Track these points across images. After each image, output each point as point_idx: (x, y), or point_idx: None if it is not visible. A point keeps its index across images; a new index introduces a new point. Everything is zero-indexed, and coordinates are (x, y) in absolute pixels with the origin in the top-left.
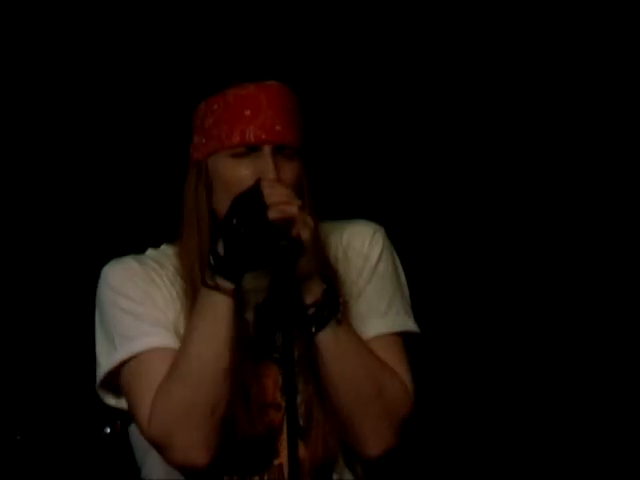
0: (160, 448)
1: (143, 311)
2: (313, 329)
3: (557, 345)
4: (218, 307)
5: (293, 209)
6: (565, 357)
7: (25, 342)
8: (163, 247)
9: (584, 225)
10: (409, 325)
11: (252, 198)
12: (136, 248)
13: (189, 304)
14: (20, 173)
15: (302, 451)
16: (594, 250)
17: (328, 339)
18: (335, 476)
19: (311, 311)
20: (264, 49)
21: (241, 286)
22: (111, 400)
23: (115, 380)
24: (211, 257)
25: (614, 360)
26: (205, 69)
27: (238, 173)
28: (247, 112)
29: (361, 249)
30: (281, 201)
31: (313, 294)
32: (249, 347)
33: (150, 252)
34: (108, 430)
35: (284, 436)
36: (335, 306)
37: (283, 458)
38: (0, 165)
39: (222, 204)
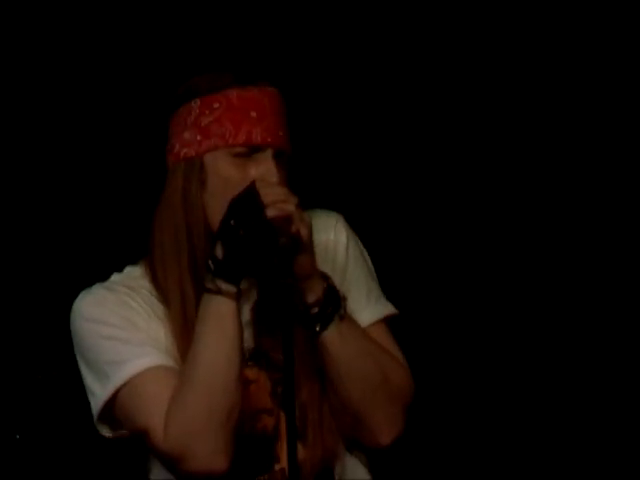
0: (178, 460)
1: (127, 335)
2: (317, 328)
3: (555, 342)
4: (223, 311)
5: (290, 207)
6: (563, 354)
7: (25, 342)
8: (127, 270)
9: (582, 223)
10: (390, 309)
11: (249, 198)
12: (98, 274)
13: (174, 326)
14: None
15: (301, 453)
16: (593, 249)
17: (333, 336)
18: (337, 477)
19: (314, 310)
20: (260, 52)
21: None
22: (108, 432)
23: (110, 410)
24: (210, 261)
25: (614, 359)
26: (197, 69)
27: (242, 173)
28: (253, 114)
29: (327, 242)
30: (278, 199)
31: (315, 292)
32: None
33: (115, 277)
34: None
35: (282, 440)
36: (337, 303)
37: (284, 463)
38: None
39: (217, 204)
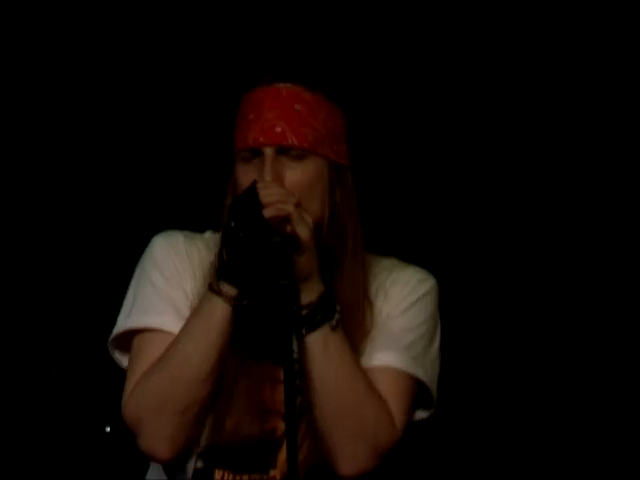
0: (132, 431)
1: (167, 291)
2: (304, 330)
3: (556, 344)
4: (214, 311)
5: (288, 207)
6: (564, 356)
7: (25, 342)
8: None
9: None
10: (418, 371)
11: (248, 199)
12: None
13: None
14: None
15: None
16: (594, 249)
17: (317, 343)
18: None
19: (305, 312)
20: (291, 53)
21: (247, 292)
22: (116, 357)
23: (125, 341)
24: (217, 262)
25: (614, 359)
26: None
27: (242, 178)
28: (251, 116)
29: (402, 290)
30: (276, 200)
31: (310, 295)
32: (264, 351)
33: (207, 234)
34: (108, 430)
35: (283, 448)
36: (330, 311)
37: (278, 470)
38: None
39: None
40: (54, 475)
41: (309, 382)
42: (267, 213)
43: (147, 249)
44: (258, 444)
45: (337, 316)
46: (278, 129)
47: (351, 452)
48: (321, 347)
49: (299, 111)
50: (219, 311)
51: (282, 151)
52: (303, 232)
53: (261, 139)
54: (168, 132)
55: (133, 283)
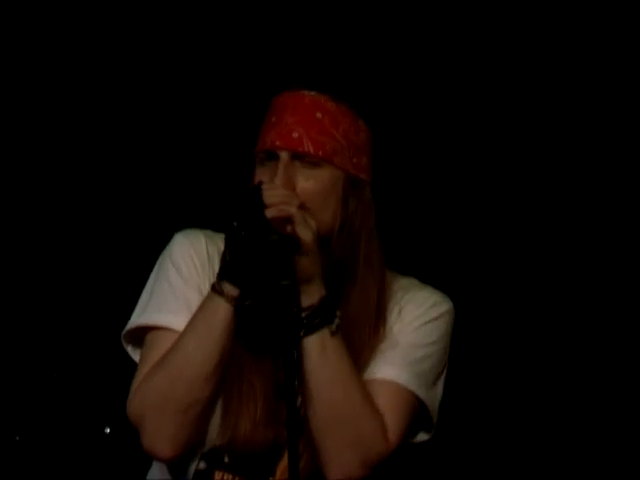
0: (136, 428)
1: (184, 290)
2: (302, 332)
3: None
4: (217, 312)
5: (291, 208)
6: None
7: (25, 342)
8: None
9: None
10: (422, 394)
11: (252, 200)
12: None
13: None
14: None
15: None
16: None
17: (314, 347)
18: None
19: (305, 314)
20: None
21: (249, 292)
22: (130, 350)
23: (139, 336)
24: (221, 262)
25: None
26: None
27: (257, 179)
28: (273, 119)
29: (416, 309)
30: (279, 201)
31: (310, 298)
32: (267, 351)
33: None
34: (108, 430)
35: (284, 457)
36: (329, 316)
37: (277, 478)
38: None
39: None
40: (54, 475)
41: (305, 385)
42: (269, 213)
43: (168, 246)
44: (260, 450)
45: (337, 321)
46: (295, 134)
47: (340, 461)
48: (318, 350)
49: (320, 119)
50: (221, 311)
51: (297, 157)
52: (305, 234)
53: (277, 142)
54: (191, 132)
55: (151, 278)
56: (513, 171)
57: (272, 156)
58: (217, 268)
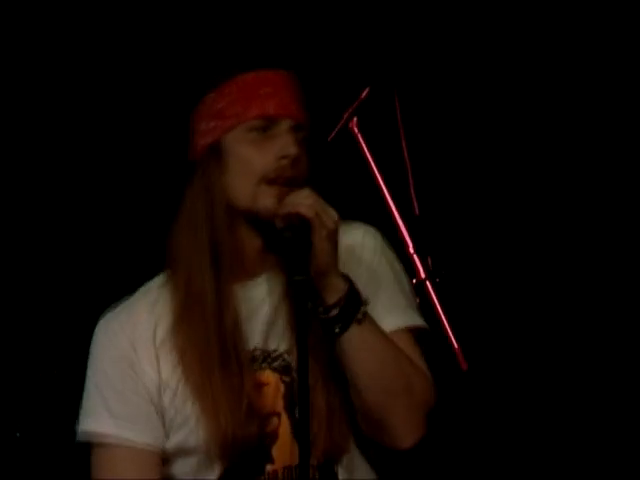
0: None
1: (105, 392)
2: (337, 330)
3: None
4: None
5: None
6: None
7: (25, 342)
8: (155, 279)
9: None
10: (418, 321)
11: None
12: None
13: (177, 298)
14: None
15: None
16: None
17: (353, 339)
18: (343, 470)
19: (334, 312)
20: (270, 38)
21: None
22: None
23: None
24: None
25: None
26: (205, 62)
27: (261, 150)
28: (265, 89)
29: (354, 244)
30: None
31: (335, 294)
32: (250, 357)
33: (141, 289)
34: None
35: (280, 442)
36: (357, 305)
37: (278, 464)
38: None
39: (239, 184)
40: (54, 475)
41: (354, 376)
42: (282, 210)
43: (92, 339)
44: (250, 446)
45: (364, 308)
46: (294, 107)
47: (411, 423)
48: (359, 340)
49: (302, 98)
50: None
51: (296, 128)
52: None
53: (282, 111)
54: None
55: (88, 375)
56: (512, 171)
57: (271, 123)
58: (158, 332)
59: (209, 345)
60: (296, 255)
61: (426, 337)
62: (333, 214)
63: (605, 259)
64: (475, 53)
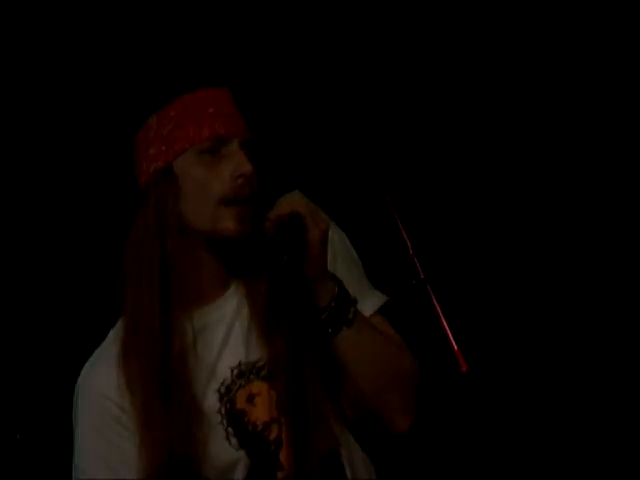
0: None
1: (87, 445)
2: (330, 330)
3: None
4: None
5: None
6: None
7: (25, 342)
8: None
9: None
10: (382, 296)
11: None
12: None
13: (126, 338)
14: None
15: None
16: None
17: (346, 338)
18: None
19: (325, 314)
20: (204, 59)
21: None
22: None
23: None
24: None
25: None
26: (144, 86)
27: (214, 170)
28: (211, 109)
29: (333, 245)
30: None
31: (325, 297)
32: (238, 372)
33: (111, 334)
34: None
35: (285, 448)
36: (348, 304)
37: (288, 470)
38: None
39: (193, 207)
40: (54, 475)
41: (347, 371)
42: (277, 211)
43: (74, 397)
44: (259, 458)
45: (353, 308)
46: (241, 124)
47: (403, 405)
48: (350, 339)
49: (238, 110)
50: None
51: (243, 144)
52: (313, 234)
53: (232, 129)
54: None
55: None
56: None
57: (221, 143)
58: (110, 388)
59: (152, 374)
60: (291, 256)
61: (389, 307)
62: (324, 215)
63: (604, 260)
64: (475, 53)
